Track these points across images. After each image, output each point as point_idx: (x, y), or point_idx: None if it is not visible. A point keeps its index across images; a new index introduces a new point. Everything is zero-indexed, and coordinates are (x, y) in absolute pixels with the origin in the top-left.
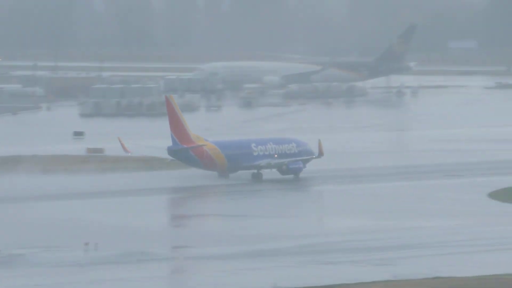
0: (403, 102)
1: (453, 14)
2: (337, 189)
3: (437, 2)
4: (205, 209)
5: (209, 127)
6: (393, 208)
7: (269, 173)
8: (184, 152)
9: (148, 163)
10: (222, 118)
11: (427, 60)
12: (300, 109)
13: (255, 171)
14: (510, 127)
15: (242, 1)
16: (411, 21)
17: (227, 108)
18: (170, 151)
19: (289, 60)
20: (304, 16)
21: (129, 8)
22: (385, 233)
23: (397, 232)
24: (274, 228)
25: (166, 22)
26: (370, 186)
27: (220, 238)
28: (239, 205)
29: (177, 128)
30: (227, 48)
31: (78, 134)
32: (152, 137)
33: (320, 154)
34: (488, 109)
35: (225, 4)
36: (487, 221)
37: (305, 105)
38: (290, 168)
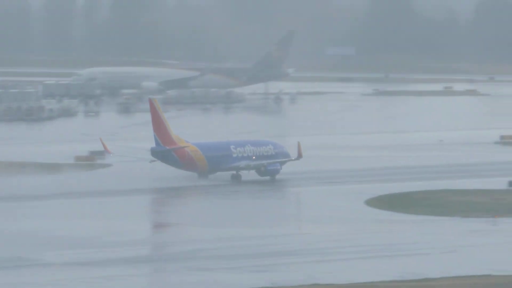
0: (281, 108)
1: (331, 20)
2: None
3: (315, 8)
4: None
5: (87, 132)
6: (270, 214)
7: (247, 174)
8: (167, 153)
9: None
10: (100, 123)
11: (306, 66)
12: (178, 115)
13: (234, 172)
14: (386, 133)
15: (121, 6)
16: (289, 27)
17: (105, 114)
18: (153, 152)
19: (167, 66)
20: (183, 22)
21: (6, 12)
22: (262, 240)
23: (274, 239)
24: (158, 234)
25: (44, 26)
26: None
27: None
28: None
29: (160, 130)
30: (106, 53)
31: None
32: (29, 143)
33: (299, 156)
34: (365, 116)
35: (104, 9)
36: (363, 228)
37: (183, 111)
38: (269, 170)
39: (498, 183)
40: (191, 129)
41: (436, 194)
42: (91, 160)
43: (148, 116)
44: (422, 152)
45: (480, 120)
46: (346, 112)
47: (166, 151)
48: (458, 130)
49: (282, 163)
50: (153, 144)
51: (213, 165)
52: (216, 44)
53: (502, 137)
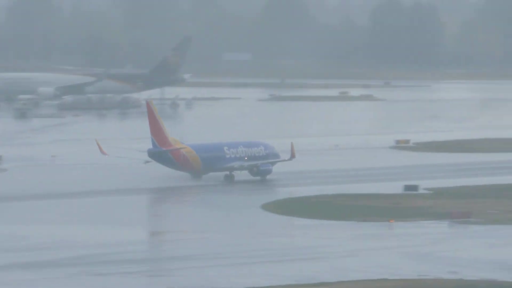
0: (177, 113)
1: (227, 26)
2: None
3: (211, 14)
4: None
5: None
6: (164, 220)
7: (239, 175)
8: (164, 154)
9: None
10: None
11: (202, 72)
12: (74, 121)
13: (228, 172)
14: (283, 138)
15: (16, 13)
16: (185, 33)
17: (1, 119)
18: (150, 153)
19: (63, 72)
20: (79, 29)
21: None
22: (158, 244)
23: (169, 244)
24: (60, 237)
25: None
26: (146, 197)
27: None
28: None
29: (157, 131)
30: (1, 59)
31: None
32: None
33: (292, 156)
34: (261, 121)
35: (0, 14)
36: (260, 233)
37: (79, 116)
38: (261, 170)
39: (394, 187)
40: (87, 134)
41: (333, 199)
42: None
43: (44, 122)
44: (319, 156)
45: (375, 125)
46: (243, 117)
47: (162, 152)
48: (354, 135)
49: (273, 163)
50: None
51: (207, 166)
52: (112, 49)
53: (398, 141)
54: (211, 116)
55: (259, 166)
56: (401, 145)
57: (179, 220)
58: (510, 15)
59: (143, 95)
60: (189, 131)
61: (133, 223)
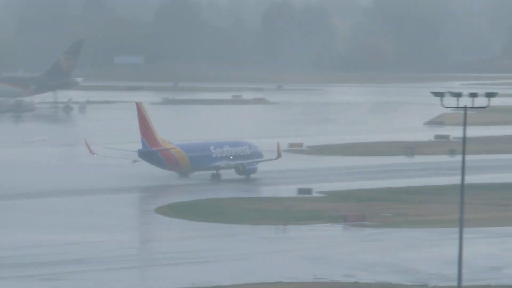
0: (70, 117)
1: (119, 30)
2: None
3: (103, 18)
4: None
5: None
6: (61, 223)
7: (225, 173)
8: (154, 154)
9: None
10: None
11: (95, 75)
12: None
13: (214, 171)
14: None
15: None
16: (78, 36)
17: None
18: (140, 153)
19: None
20: None
21: None
22: (52, 248)
23: (65, 247)
24: None
25: None
26: (42, 200)
27: None
28: None
29: (147, 132)
30: None
31: None
32: None
33: (278, 156)
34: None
35: None
36: (154, 236)
37: None
38: (247, 169)
39: (288, 190)
40: None
41: (227, 202)
42: None
43: None
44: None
45: (268, 128)
46: (134, 120)
47: (152, 152)
48: (247, 138)
49: (258, 162)
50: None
51: (195, 165)
52: (4, 53)
53: (291, 145)
54: (104, 119)
55: (245, 165)
56: (294, 149)
57: (73, 226)
58: (400, 17)
59: (36, 99)
60: (84, 135)
61: (26, 226)
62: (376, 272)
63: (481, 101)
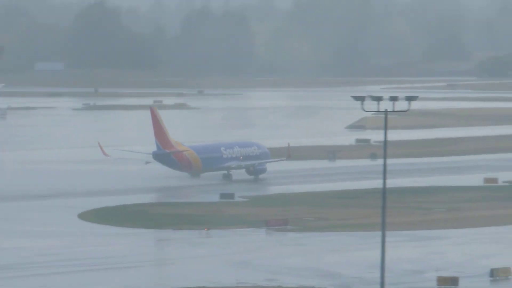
0: None
1: (39, 36)
2: None
3: (22, 24)
4: None
5: None
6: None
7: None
8: (167, 156)
9: None
10: None
11: (15, 81)
12: None
13: (226, 172)
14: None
15: None
16: None
17: None
18: (155, 155)
19: None
20: None
21: None
22: None
23: None
24: None
25: None
26: None
27: None
28: None
29: (160, 135)
30: None
31: None
32: None
33: (289, 157)
34: (75, 130)
35: None
36: (77, 242)
37: None
38: (257, 169)
39: (211, 195)
40: None
41: (150, 207)
42: None
43: None
44: (138, 166)
45: (191, 134)
46: (57, 126)
47: (166, 154)
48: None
49: (267, 163)
50: None
51: (207, 166)
52: None
53: None
54: (26, 125)
55: (256, 166)
56: None
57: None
58: (320, 20)
59: None
60: (6, 141)
61: None
62: (299, 276)
63: (401, 105)
